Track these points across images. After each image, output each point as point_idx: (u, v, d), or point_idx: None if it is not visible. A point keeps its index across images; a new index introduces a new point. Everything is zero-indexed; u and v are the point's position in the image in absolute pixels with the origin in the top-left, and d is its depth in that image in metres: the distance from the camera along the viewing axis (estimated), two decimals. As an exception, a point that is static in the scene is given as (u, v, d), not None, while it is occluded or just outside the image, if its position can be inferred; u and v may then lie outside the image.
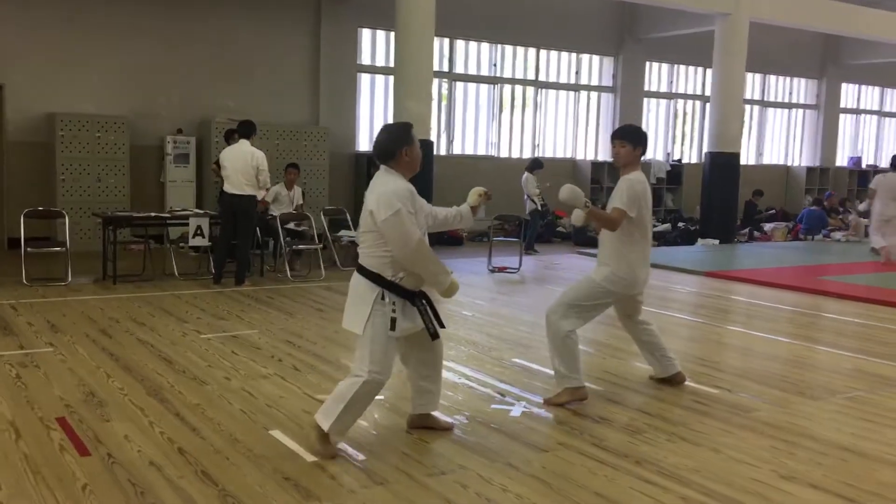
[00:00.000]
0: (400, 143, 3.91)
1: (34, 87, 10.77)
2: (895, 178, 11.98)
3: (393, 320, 3.87)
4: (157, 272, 8.92)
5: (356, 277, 4.00)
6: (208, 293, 8.16)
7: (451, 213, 4.38)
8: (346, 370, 5.36)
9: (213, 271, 8.75)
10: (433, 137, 12.36)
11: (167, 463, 3.72)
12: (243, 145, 8.57)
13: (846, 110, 20.19)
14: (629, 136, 5.17)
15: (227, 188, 8.59)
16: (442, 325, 4.13)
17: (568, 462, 3.89)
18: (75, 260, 8.86)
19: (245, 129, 8.69)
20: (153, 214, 9.28)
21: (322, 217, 10.31)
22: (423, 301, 4.04)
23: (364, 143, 13.72)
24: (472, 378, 5.36)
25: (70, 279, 8.37)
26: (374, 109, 13.83)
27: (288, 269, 9.19)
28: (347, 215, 10.56)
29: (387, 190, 3.82)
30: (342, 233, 10.34)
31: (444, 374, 5.53)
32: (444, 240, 13.05)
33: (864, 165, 20.20)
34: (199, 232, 8.79)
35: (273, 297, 8.06)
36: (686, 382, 5.33)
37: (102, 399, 4.64)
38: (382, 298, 3.87)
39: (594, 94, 16.40)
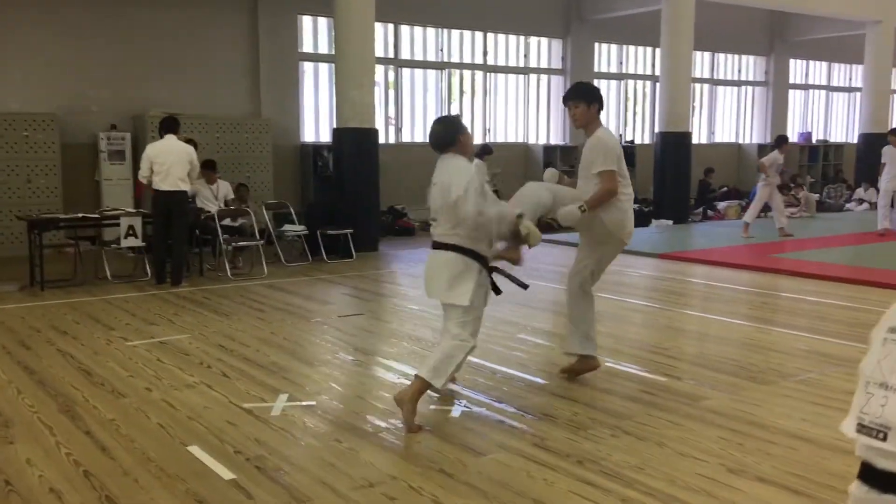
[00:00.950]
0: (456, 130, 4.37)
1: (-46, 85, 10.23)
2: None
3: (487, 290, 4.35)
4: (89, 276, 8.51)
5: (445, 255, 4.28)
6: (142, 296, 7.79)
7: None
8: (278, 374, 5.09)
9: (152, 273, 8.37)
10: (380, 125, 12.04)
11: (69, 489, 3.41)
12: (171, 141, 8.23)
13: (795, 86, 20.26)
14: (582, 95, 4.93)
15: (162, 186, 8.21)
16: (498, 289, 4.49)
17: (506, 466, 3.66)
18: (4, 266, 8.42)
19: (169, 125, 8.37)
20: (81, 215, 8.83)
21: (265, 211, 9.96)
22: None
23: (309, 134, 13.35)
24: (411, 377, 5.06)
25: (-6, 287, 7.93)
26: (318, 98, 13.45)
27: (228, 268, 8.83)
28: (291, 209, 10.21)
29: (459, 171, 4.26)
30: (286, 227, 10.00)
31: (383, 373, 5.30)
32: (395, 230, 12.77)
33: (814, 140, 20.31)
34: (131, 232, 8.40)
35: (210, 297, 7.72)
36: (636, 371, 5.14)
37: (9, 418, 4.30)
38: (479, 272, 4.22)
39: (544, 77, 16.18)
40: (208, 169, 9.47)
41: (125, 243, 8.45)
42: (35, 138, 10.40)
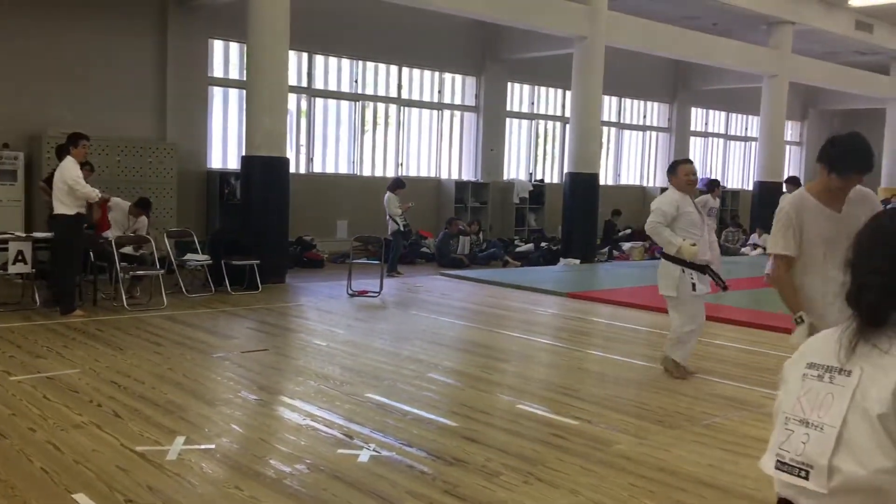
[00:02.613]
0: (675, 164, 6.38)
1: None
2: None
3: (693, 284, 6.03)
4: (-30, 304, 7.95)
5: (663, 262, 6.23)
6: (29, 326, 7.31)
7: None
8: (175, 414, 4.81)
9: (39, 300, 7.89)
10: (290, 154, 11.83)
11: (-66, 545, 3.08)
12: (63, 162, 7.83)
13: (696, 133, 21.12)
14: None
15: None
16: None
17: (416, 515, 3.52)
18: None
19: (66, 143, 7.99)
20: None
21: (166, 239, 9.56)
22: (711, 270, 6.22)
23: (216, 160, 12.99)
24: (319, 418, 4.91)
25: None
26: (227, 124, 13.13)
27: (124, 298, 8.40)
28: (195, 237, 9.85)
29: (658, 201, 6.27)
30: (189, 256, 9.63)
31: (288, 414, 5.09)
32: (303, 262, 12.52)
33: (705, 179, 21.14)
34: (20, 258, 7.90)
35: (104, 329, 7.30)
36: (546, 413, 5.10)
37: None
38: (682, 271, 6.03)
39: (457, 113, 16.32)
40: (137, 206, 9.15)
41: (13, 269, 7.95)
42: (-84, 153, 9.72)
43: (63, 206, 7.69)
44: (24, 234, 8.65)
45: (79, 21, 11.16)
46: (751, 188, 19.87)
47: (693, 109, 20.67)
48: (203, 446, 4.31)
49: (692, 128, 20.84)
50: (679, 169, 6.30)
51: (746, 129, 22.43)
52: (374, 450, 4.34)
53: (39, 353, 6.31)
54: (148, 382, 5.53)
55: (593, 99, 14.51)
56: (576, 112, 14.68)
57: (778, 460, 1.70)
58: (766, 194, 16.65)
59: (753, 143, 21.30)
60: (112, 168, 10.77)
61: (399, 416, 5.02)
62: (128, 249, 8.94)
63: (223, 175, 12.48)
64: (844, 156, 3.56)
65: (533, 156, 17.82)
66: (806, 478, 1.64)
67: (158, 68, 11.94)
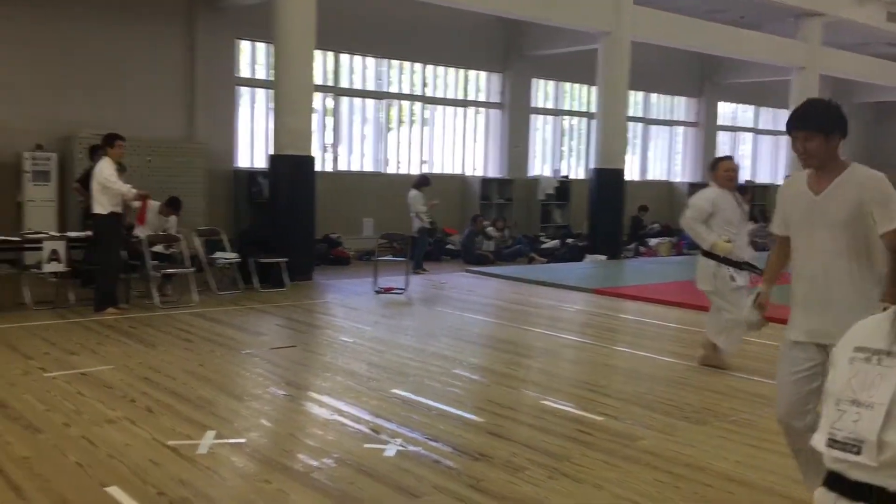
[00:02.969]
0: (716, 161, 6.50)
1: None
2: None
3: (732, 276, 6.19)
4: (7, 302, 8.12)
5: (699, 257, 6.40)
6: (63, 324, 7.46)
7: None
8: (206, 409, 4.90)
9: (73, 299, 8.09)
10: (316, 153, 11.92)
11: (-25, 535, 3.18)
12: (100, 160, 8.03)
13: (724, 128, 20.93)
14: (815, 122, 3.28)
15: None
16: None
17: (442, 509, 3.57)
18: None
19: (102, 143, 8.18)
20: (1, 238, 8.44)
21: (196, 238, 9.70)
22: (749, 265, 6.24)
23: (244, 160, 13.13)
24: (346, 413, 4.97)
25: None
26: (254, 124, 13.26)
27: (156, 296, 8.54)
28: (224, 236, 9.97)
29: (695, 197, 6.44)
30: (218, 254, 9.75)
31: (316, 409, 5.16)
32: (330, 259, 12.61)
33: (742, 181, 20.95)
34: (54, 257, 8.06)
35: (136, 326, 7.43)
36: (572, 409, 5.12)
37: (-89, 457, 4.01)
38: (717, 266, 6.21)
39: (482, 110, 16.32)
40: (168, 206, 9.41)
41: (48, 268, 8.11)
42: (-47, 155, 9.94)
43: (99, 205, 7.87)
44: (58, 234, 8.82)
45: (109, 24, 11.33)
46: (780, 183, 19.65)
47: (721, 104, 20.48)
48: (233, 440, 4.39)
49: (720, 122, 20.66)
50: (720, 165, 6.42)
51: (776, 122, 22.17)
52: (400, 444, 4.39)
53: (74, 349, 6.44)
54: (179, 378, 5.64)
55: (619, 94, 14.46)
56: (601, 108, 14.63)
57: (830, 438, 1.79)
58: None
59: (783, 138, 21.04)
60: (142, 168, 10.93)
61: (425, 411, 5.06)
62: (159, 248, 9.08)
63: (251, 174, 12.61)
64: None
65: (558, 152, 17.78)
66: (857, 453, 1.73)
67: (187, 69, 12.09)
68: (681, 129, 20.11)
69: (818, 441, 1.84)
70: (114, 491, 3.64)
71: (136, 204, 8.58)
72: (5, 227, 10.04)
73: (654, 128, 19.56)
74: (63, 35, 10.98)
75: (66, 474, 3.84)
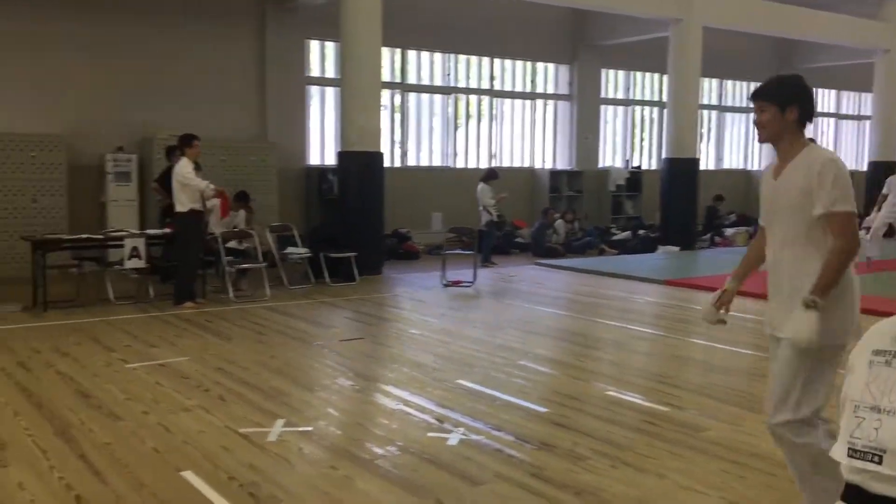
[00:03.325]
0: None
1: (-37, 106, 10.30)
2: None
3: None
4: (91, 297, 8.50)
5: None
6: (144, 318, 7.77)
7: None
8: (276, 399, 5.04)
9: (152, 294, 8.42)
10: (385, 149, 12.07)
11: (60, 514, 3.37)
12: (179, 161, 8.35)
13: (803, 114, 20.22)
14: (768, 93, 3.16)
15: None
16: None
17: (502, 497, 3.59)
18: (7, 287, 8.42)
19: (178, 144, 8.51)
20: (85, 236, 8.85)
21: (269, 234, 9.96)
22: None
23: (315, 157, 13.38)
24: (411, 403, 5.05)
25: (-3, 307, 7.93)
26: (324, 122, 13.50)
27: (231, 290, 8.81)
28: (296, 232, 10.21)
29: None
30: (290, 250, 9.99)
31: (382, 399, 5.24)
32: (399, 254, 12.75)
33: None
34: (135, 253, 8.40)
35: (212, 320, 7.69)
36: (638, 401, 5.08)
37: (3, 441, 4.26)
38: None
39: (551, 103, 16.22)
40: (236, 200, 9.76)
41: (129, 265, 8.46)
42: (42, 159, 10.44)
43: (179, 203, 8.20)
44: (138, 232, 9.18)
45: (183, 29, 11.71)
46: (864, 169, 18.91)
47: (799, 89, 19.80)
48: (302, 428, 4.51)
49: (798, 108, 19.97)
50: None
51: (859, 107, 21.33)
52: (463, 434, 4.44)
53: (153, 342, 6.71)
54: (252, 369, 5.81)
55: (691, 82, 14.16)
56: (673, 96, 14.36)
57: (850, 448, 1.70)
58: (881, 175, 15.82)
59: (866, 122, 20.24)
60: (217, 167, 11.25)
61: (489, 401, 5.09)
62: (233, 244, 9.35)
63: (321, 171, 12.85)
64: None
65: (629, 142, 17.53)
66: (879, 462, 1.64)
67: (258, 70, 12.39)
68: (757, 115, 19.54)
69: (838, 452, 1.73)
70: (188, 475, 3.80)
71: (215, 201, 8.87)
72: (90, 226, 10.52)
73: (729, 115, 19.07)
74: (140, 41, 11.40)
75: (143, 459, 4.02)
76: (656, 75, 17.24)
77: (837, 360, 3.04)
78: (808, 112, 3.09)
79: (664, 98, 16.20)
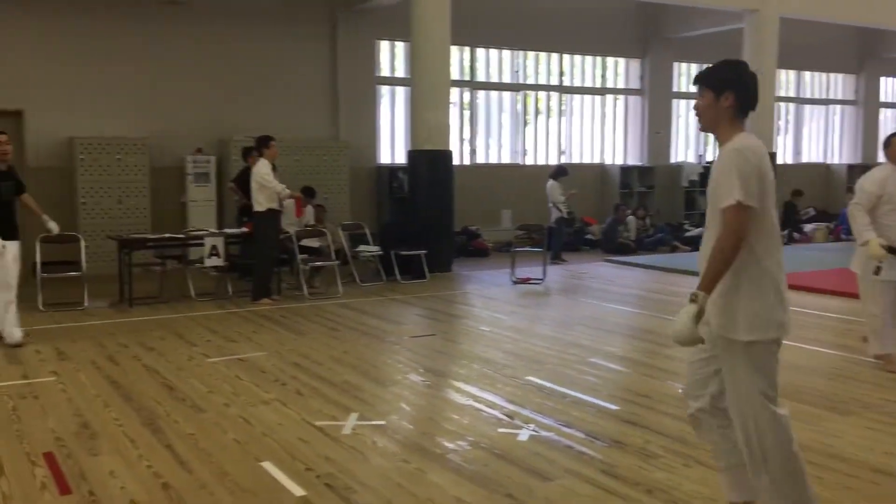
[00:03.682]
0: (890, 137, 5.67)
1: (53, 111, 10.80)
2: None
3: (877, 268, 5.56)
4: (174, 294, 8.84)
5: None
6: (223, 314, 8.04)
7: None
8: (350, 393, 5.17)
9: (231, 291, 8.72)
10: (455, 147, 12.15)
11: (149, 500, 3.54)
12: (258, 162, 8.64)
13: (887, 104, 19.50)
14: (705, 78, 3.05)
15: None
16: None
17: (573, 492, 3.62)
18: (96, 283, 8.81)
19: (255, 145, 8.80)
20: (167, 235, 9.20)
21: (341, 232, 10.16)
22: None
23: (385, 156, 13.57)
24: (481, 399, 5.11)
25: (87, 303, 8.31)
26: (394, 121, 13.68)
27: (305, 287, 9.03)
28: (367, 230, 10.39)
29: (862, 178, 5.78)
30: (361, 248, 10.18)
31: (453, 395, 5.32)
32: (469, 251, 12.82)
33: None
34: (214, 252, 8.69)
35: (287, 316, 7.90)
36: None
37: (95, 431, 4.50)
38: None
39: (621, 97, 16.04)
40: (305, 195, 9.97)
41: (208, 262, 8.75)
42: (127, 161, 10.89)
43: (257, 203, 8.46)
44: (217, 231, 9.49)
45: (257, 33, 12.02)
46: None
47: (883, 79, 19.10)
48: (375, 422, 4.62)
49: (882, 99, 19.26)
50: (893, 141, 5.76)
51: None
52: (533, 430, 4.48)
53: (232, 337, 6.95)
54: (326, 364, 5.97)
55: (767, 74, 13.78)
56: (747, 89, 14.00)
57: None
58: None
59: (956, 112, 19.38)
60: (291, 167, 11.53)
61: (559, 398, 5.12)
62: (307, 242, 9.57)
63: (391, 170, 13.02)
64: None
65: (702, 137, 17.19)
66: None
67: (330, 71, 12.63)
68: (838, 107, 18.93)
69: None
70: (267, 465, 3.94)
71: (290, 200, 9.14)
72: (171, 226, 10.93)
73: (808, 108, 18.52)
74: (218, 47, 11.75)
75: (225, 449, 4.19)
76: (731, 68, 16.86)
77: (758, 354, 2.94)
78: (745, 99, 2.96)
79: (739, 91, 15.82)
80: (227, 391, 5.27)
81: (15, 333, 6.54)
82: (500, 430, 4.50)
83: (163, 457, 4.08)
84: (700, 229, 14.74)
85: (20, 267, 6.74)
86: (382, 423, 4.63)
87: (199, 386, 5.40)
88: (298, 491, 3.63)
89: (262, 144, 8.64)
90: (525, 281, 9.99)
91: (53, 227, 7.27)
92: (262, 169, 8.46)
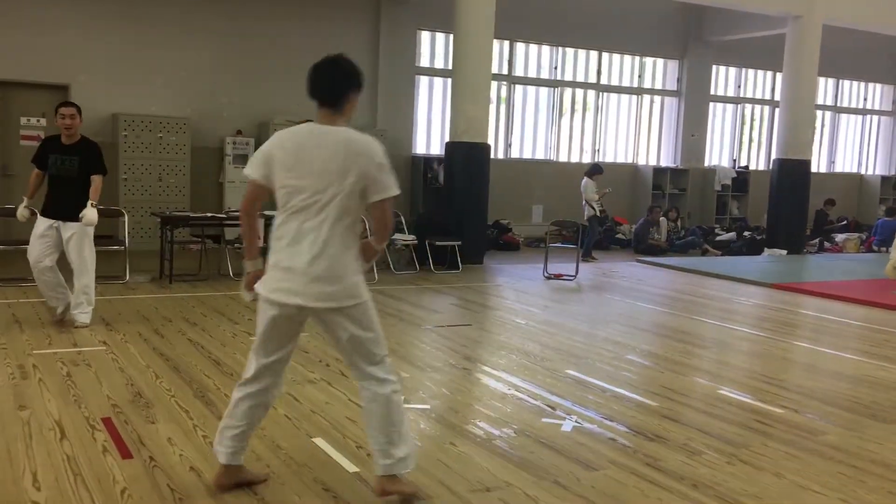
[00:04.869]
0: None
1: (99, 87, 10.98)
2: None
3: None
4: (212, 272, 8.99)
5: None
6: (261, 294, 8.16)
7: None
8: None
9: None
10: (491, 141, 12.21)
11: (208, 468, 3.65)
12: None
13: (924, 116, 19.33)
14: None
15: None
16: None
17: (619, 482, 3.70)
18: (136, 258, 8.97)
19: None
20: (209, 215, 9.34)
21: (377, 220, 10.26)
22: None
23: (421, 146, 13.66)
24: (522, 389, 5.20)
25: (128, 277, 8.48)
26: (431, 112, 13.75)
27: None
28: (402, 218, 10.49)
29: None
30: (396, 236, 10.26)
31: (493, 383, 5.40)
32: (500, 245, 12.89)
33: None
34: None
35: (325, 299, 8.01)
36: (749, 400, 5.08)
37: (149, 400, 4.63)
38: None
39: (657, 98, 16.02)
40: None
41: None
42: (168, 140, 11.05)
43: None
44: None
45: (299, 18, 12.14)
46: None
47: (922, 90, 18.94)
48: (418, 406, 4.72)
49: (920, 110, 19.11)
50: None
51: None
52: (576, 421, 4.55)
53: (272, 317, 7.06)
54: (367, 348, 6.06)
55: (807, 81, 13.74)
56: (787, 95, 13.96)
57: None
58: None
59: None
60: (329, 153, 11.64)
61: (598, 392, 5.19)
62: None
63: (427, 160, 13.11)
64: None
65: (738, 141, 17.14)
66: None
67: (371, 60, 12.73)
68: (875, 118, 18.78)
69: None
70: (319, 441, 4.05)
71: None
72: (208, 206, 11.11)
73: (844, 116, 18.39)
74: (260, 32, 11.88)
75: (277, 425, 4.30)
76: (769, 73, 16.80)
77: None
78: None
79: (776, 97, 15.78)
80: (273, 369, 5.37)
81: (78, 318, 6.31)
82: (544, 419, 4.58)
83: (217, 428, 4.18)
84: (731, 234, 14.80)
85: (85, 250, 6.23)
86: (426, 407, 4.73)
87: (244, 362, 5.49)
88: (351, 467, 3.73)
89: None
90: (557, 277, 10.05)
91: (85, 214, 6.21)
92: None
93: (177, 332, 6.34)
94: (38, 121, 10.84)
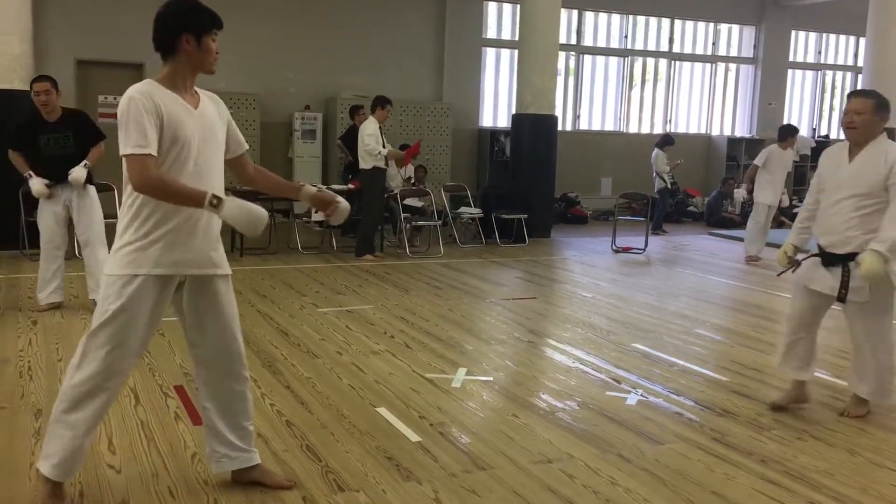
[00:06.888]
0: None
1: (173, 66, 11.22)
2: None
3: None
4: (281, 246, 9.15)
5: None
6: (328, 268, 8.29)
7: None
8: (456, 349, 5.29)
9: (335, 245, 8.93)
10: (559, 112, 12.05)
11: (274, 436, 3.74)
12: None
13: None
14: None
15: None
16: None
17: (684, 457, 3.64)
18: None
19: (373, 104, 8.82)
20: (279, 189, 9.49)
21: (442, 193, 10.27)
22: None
23: (488, 119, 13.57)
24: (587, 362, 5.14)
25: (201, 251, 8.69)
26: (498, 84, 13.63)
27: (407, 246, 9.20)
28: (469, 192, 10.47)
29: None
30: (462, 209, 10.26)
31: (558, 356, 5.36)
32: (567, 218, 12.76)
33: None
34: (320, 207, 8.91)
35: (391, 272, 8.09)
36: (826, 377, 4.92)
37: (219, 368, 4.74)
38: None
39: (732, 66, 15.51)
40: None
41: (315, 217, 9.01)
42: (238, 116, 11.19)
43: (362, 160, 8.60)
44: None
45: (369, -8, 12.15)
46: None
47: None
48: (482, 378, 4.72)
49: None
50: None
51: None
52: (641, 395, 4.49)
53: (339, 290, 7.17)
54: (431, 320, 6.10)
55: (894, 46, 13.07)
56: (871, 61, 13.28)
57: None
58: None
59: None
60: (395, 127, 11.70)
61: (666, 366, 5.10)
62: (410, 201, 9.72)
63: (493, 133, 13.02)
64: None
65: (818, 110, 16.49)
66: None
67: (437, 32, 12.68)
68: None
69: None
70: (382, 411, 4.10)
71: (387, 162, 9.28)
72: (280, 181, 11.24)
73: (932, 82, 17.47)
74: (327, 7, 11.94)
75: (341, 394, 4.37)
76: (852, 38, 16.07)
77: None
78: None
79: (860, 62, 15.08)
80: (339, 340, 5.46)
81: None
82: (608, 393, 4.53)
83: (284, 397, 4.29)
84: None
85: (85, 221, 6.00)
86: (490, 378, 4.73)
87: (311, 333, 5.61)
88: (414, 437, 3.76)
89: (377, 104, 8.70)
90: (626, 250, 9.89)
91: (74, 171, 5.83)
92: (367, 128, 8.58)
93: (247, 303, 6.48)
94: (114, 98, 11.16)
